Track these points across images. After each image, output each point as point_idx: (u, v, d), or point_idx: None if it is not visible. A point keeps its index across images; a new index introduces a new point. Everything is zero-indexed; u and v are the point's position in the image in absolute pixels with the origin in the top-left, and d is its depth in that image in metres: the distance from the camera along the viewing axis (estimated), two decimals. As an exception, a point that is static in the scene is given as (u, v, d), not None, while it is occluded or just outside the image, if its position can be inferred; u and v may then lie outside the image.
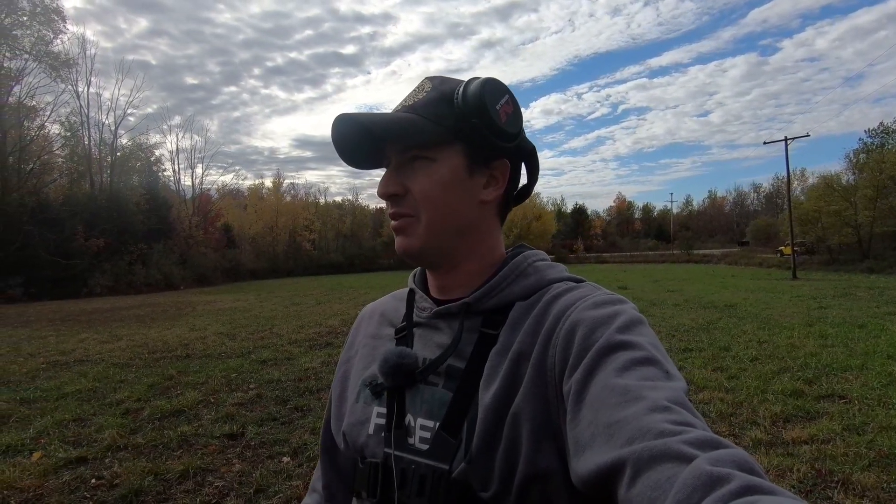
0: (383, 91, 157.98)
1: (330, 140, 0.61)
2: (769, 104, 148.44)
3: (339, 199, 76.59)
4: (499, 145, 0.60)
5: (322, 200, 66.05)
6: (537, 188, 0.70)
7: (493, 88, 0.59)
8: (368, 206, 74.70)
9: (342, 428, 0.65)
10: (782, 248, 33.85)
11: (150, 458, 3.45)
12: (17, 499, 2.90)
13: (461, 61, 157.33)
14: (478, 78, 0.61)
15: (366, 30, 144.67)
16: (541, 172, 0.69)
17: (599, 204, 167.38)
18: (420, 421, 0.58)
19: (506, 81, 0.61)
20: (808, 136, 28.66)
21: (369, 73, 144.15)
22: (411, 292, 0.70)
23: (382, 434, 0.60)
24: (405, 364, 0.59)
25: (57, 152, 28.40)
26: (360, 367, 0.69)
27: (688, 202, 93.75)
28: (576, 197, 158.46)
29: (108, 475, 3.19)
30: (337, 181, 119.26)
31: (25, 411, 4.58)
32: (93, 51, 39.27)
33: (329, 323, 9.99)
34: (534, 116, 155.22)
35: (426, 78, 0.63)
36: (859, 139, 35.49)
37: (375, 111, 0.60)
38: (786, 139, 23.77)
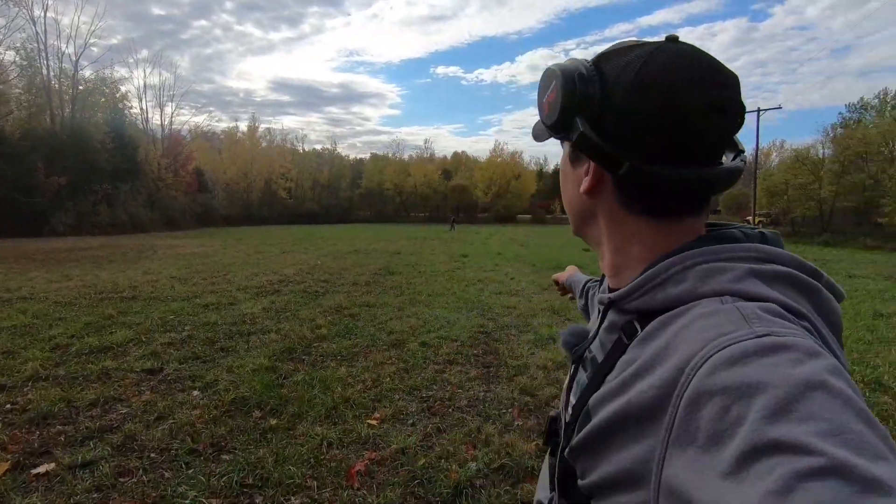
0: (363, 36, 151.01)
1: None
2: (756, 72, 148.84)
3: (318, 147, 74.88)
4: (560, 137, 0.60)
5: (300, 148, 64.73)
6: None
7: (543, 80, 0.57)
8: (348, 157, 73.63)
9: None
10: (749, 217, 34.81)
11: (66, 387, 3.65)
12: (-72, 420, 3.09)
13: (444, 6, 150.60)
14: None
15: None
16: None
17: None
18: (572, 396, 0.64)
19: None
20: (780, 108, 29.04)
21: (349, 14, 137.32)
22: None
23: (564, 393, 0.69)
24: (570, 343, 0.66)
25: (13, 82, 27.03)
26: None
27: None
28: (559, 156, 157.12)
29: (23, 401, 3.40)
30: (316, 128, 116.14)
31: (-45, 343, 4.71)
32: (52, -28, 36.55)
33: (284, 272, 10.14)
34: (520, 72, 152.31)
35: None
36: (839, 113, 35.96)
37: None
38: (759, 110, 24.05)
